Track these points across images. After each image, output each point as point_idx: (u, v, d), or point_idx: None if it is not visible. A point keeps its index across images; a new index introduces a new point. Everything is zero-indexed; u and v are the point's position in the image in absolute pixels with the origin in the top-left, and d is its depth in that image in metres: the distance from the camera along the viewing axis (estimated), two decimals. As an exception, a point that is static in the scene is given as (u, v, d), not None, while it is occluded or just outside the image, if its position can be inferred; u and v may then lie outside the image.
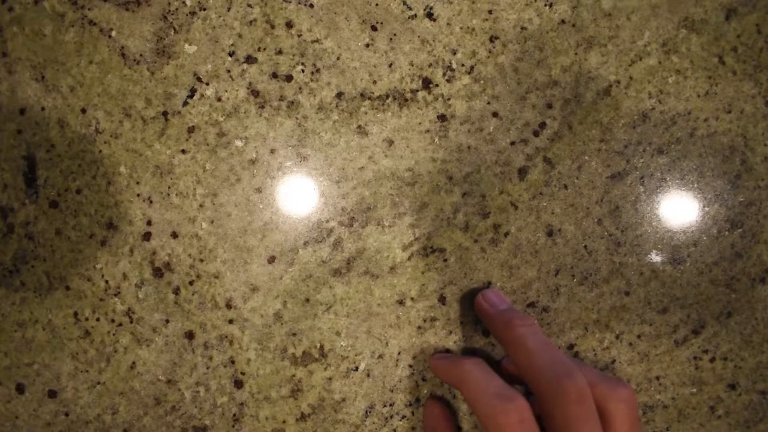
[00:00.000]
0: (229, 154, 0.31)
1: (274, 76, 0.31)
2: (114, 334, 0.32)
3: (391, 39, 0.31)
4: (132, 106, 0.31)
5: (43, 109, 0.31)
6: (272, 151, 0.31)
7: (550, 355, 0.25)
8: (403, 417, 0.32)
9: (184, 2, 0.31)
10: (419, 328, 0.32)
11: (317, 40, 0.31)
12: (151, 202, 0.31)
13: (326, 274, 0.32)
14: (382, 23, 0.31)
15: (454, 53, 0.32)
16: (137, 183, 0.31)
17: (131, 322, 0.31)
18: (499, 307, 0.30)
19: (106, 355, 0.32)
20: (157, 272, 0.31)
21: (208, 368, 0.32)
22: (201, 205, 0.31)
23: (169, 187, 0.31)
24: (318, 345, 0.32)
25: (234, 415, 0.32)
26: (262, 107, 0.31)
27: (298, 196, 0.32)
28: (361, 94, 0.32)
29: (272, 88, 0.31)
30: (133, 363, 0.32)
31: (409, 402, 0.32)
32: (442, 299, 0.32)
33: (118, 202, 0.31)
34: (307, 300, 0.32)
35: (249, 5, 0.31)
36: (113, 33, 0.31)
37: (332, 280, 0.32)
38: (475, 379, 0.26)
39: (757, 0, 0.32)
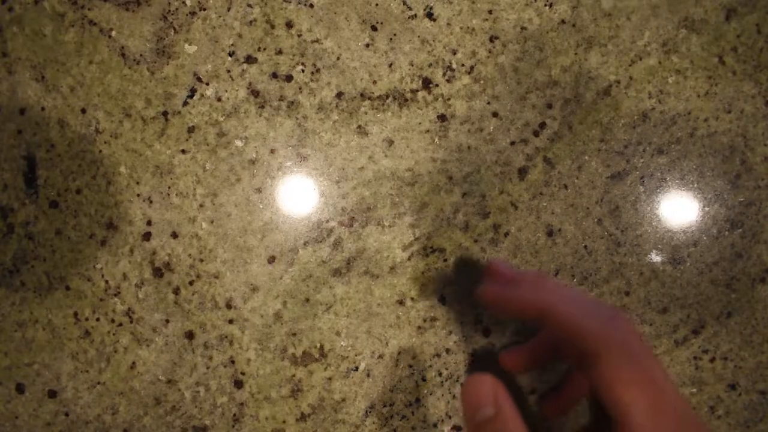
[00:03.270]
0: (229, 154, 0.31)
1: (274, 76, 0.31)
2: (114, 334, 0.31)
3: (391, 39, 0.31)
4: (132, 106, 0.31)
5: (43, 109, 0.31)
6: (272, 151, 0.31)
7: (586, 306, 0.24)
8: (403, 417, 0.32)
9: (184, 2, 0.31)
10: (419, 328, 0.32)
11: (317, 40, 0.31)
12: (151, 202, 0.31)
13: (326, 274, 0.32)
14: (382, 23, 0.31)
15: (454, 53, 0.32)
16: (137, 183, 0.31)
17: (131, 322, 0.31)
18: (504, 287, 0.27)
19: (106, 355, 0.32)
20: (157, 272, 0.31)
21: (208, 368, 0.32)
22: (201, 205, 0.31)
23: (169, 187, 0.31)
24: (318, 345, 0.32)
25: (234, 415, 0.32)
26: (262, 107, 0.31)
27: (298, 196, 0.32)
28: (361, 94, 0.32)
29: (272, 88, 0.31)
30: (133, 363, 0.32)
31: (409, 402, 0.32)
32: (442, 299, 0.32)
33: (118, 202, 0.31)
34: (307, 300, 0.32)
35: (249, 5, 0.31)
36: (113, 33, 0.31)
37: (332, 280, 0.32)
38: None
39: (757, 0, 0.32)
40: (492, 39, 0.32)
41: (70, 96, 0.31)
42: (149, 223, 0.31)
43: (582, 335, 0.23)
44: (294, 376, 0.32)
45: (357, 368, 0.32)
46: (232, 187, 0.31)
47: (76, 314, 0.31)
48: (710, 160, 0.33)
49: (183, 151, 0.31)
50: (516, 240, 0.32)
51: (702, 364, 0.33)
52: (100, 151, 0.31)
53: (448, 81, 0.32)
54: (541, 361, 0.29)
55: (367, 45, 0.31)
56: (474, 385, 0.24)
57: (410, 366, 0.32)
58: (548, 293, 0.25)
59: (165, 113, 0.31)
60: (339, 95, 0.31)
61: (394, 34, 0.31)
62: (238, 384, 0.32)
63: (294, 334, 0.32)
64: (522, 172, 0.32)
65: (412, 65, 0.32)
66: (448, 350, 0.32)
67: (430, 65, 0.32)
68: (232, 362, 0.32)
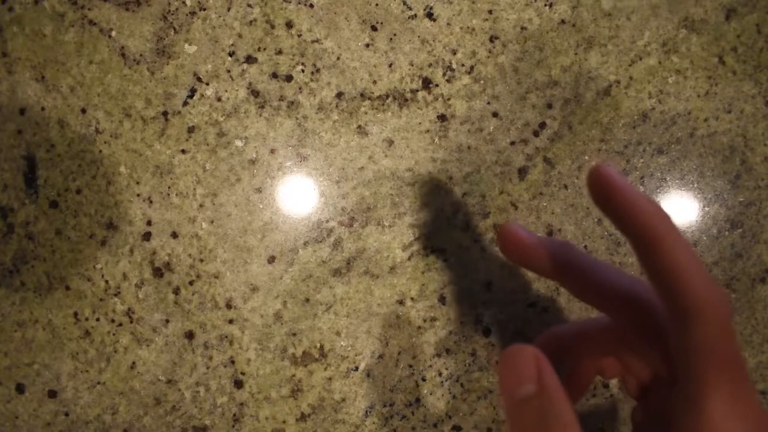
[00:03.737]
0: (229, 154, 0.31)
1: (274, 76, 0.31)
2: (114, 334, 0.31)
3: (391, 39, 0.31)
4: (132, 106, 0.31)
5: (43, 109, 0.31)
6: (272, 151, 0.31)
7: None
8: (403, 417, 0.32)
9: (184, 2, 0.31)
10: (419, 328, 0.32)
11: (317, 40, 0.31)
12: (151, 202, 0.31)
13: (326, 274, 0.32)
14: (382, 23, 0.31)
15: (454, 53, 0.32)
16: (137, 183, 0.31)
17: (131, 322, 0.31)
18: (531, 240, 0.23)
19: (106, 355, 0.32)
20: (157, 272, 0.31)
21: (208, 368, 0.32)
22: (201, 205, 0.31)
23: (169, 187, 0.31)
24: (318, 345, 0.32)
25: (234, 415, 0.32)
26: (262, 107, 0.31)
27: (298, 196, 0.32)
28: (361, 94, 0.32)
29: (272, 88, 0.31)
30: (133, 363, 0.32)
31: (409, 402, 0.32)
32: (442, 299, 0.32)
33: (118, 202, 0.31)
34: (307, 300, 0.32)
35: (249, 5, 0.31)
36: (113, 33, 0.31)
37: (332, 280, 0.32)
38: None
39: (757, 0, 0.32)
40: (492, 39, 0.32)
41: (70, 96, 0.31)
42: (149, 223, 0.31)
43: (690, 290, 0.19)
44: (294, 376, 0.32)
45: (357, 368, 0.32)
46: (232, 187, 0.31)
47: (76, 314, 0.31)
48: (710, 160, 0.33)
49: (183, 151, 0.31)
50: (516, 240, 0.32)
51: (702, 364, 0.33)
52: (100, 151, 0.31)
53: (448, 81, 0.32)
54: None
55: (367, 45, 0.31)
56: (514, 357, 0.21)
57: (410, 366, 0.32)
58: (671, 225, 0.21)
59: (165, 113, 0.31)
60: (339, 95, 0.31)
61: (394, 34, 0.31)
62: (238, 384, 0.32)
63: (294, 334, 0.32)
64: (522, 172, 0.32)
65: (412, 65, 0.32)
66: (448, 350, 0.32)
67: (430, 65, 0.32)
68: (232, 362, 0.32)
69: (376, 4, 0.31)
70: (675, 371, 0.20)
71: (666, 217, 0.21)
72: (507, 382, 0.20)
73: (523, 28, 0.32)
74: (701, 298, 0.19)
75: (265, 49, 0.31)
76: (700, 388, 0.19)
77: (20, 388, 0.32)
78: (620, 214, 0.21)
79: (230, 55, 0.31)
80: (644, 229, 0.21)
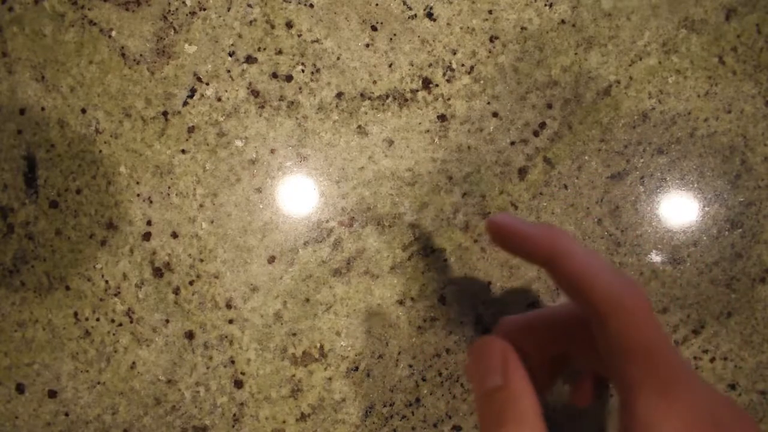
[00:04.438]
0: (229, 154, 0.31)
1: (274, 76, 0.31)
2: (114, 334, 0.31)
3: (391, 39, 0.31)
4: (132, 106, 0.31)
5: (43, 109, 0.31)
6: (272, 151, 0.31)
7: (603, 264, 0.21)
8: (403, 417, 0.32)
9: (184, 2, 0.31)
10: (419, 328, 0.32)
11: (317, 40, 0.31)
12: (151, 202, 0.31)
13: (326, 274, 0.32)
14: (382, 23, 0.31)
15: (454, 53, 0.32)
16: (137, 183, 0.31)
17: (131, 322, 0.31)
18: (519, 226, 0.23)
19: (106, 355, 0.32)
20: (157, 272, 0.31)
21: (208, 368, 0.32)
22: (201, 205, 0.31)
23: (169, 187, 0.31)
24: (318, 345, 0.32)
25: (234, 415, 0.32)
26: (262, 107, 0.31)
27: (298, 196, 0.32)
28: (361, 94, 0.32)
29: (272, 88, 0.31)
30: (133, 363, 0.32)
31: (409, 402, 0.32)
32: (442, 299, 0.32)
33: (118, 202, 0.31)
34: (307, 300, 0.32)
35: (249, 5, 0.31)
36: (113, 33, 0.31)
37: (332, 280, 0.32)
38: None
39: (757, 0, 0.32)
40: (492, 39, 0.32)
41: (70, 96, 0.31)
42: (149, 223, 0.31)
43: (595, 290, 0.20)
44: (294, 376, 0.32)
45: (357, 368, 0.32)
46: (232, 187, 0.31)
47: (76, 314, 0.31)
48: (710, 160, 0.33)
49: (183, 151, 0.31)
50: (516, 240, 0.32)
51: (702, 364, 0.33)
52: (100, 151, 0.31)
53: (448, 81, 0.32)
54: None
55: (367, 45, 0.31)
56: (481, 348, 0.22)
57: (410, 366, 0.32)
58: (566, 240, 0.22)
59: (165, 113, 0.31)
60: (339, 95, 0.31)
61: (394, 34, 0.31)
62: (238, 384, 0.32)
63: (294, 334, 0.32)
64: (522, 172, 0.32)
65: (412, 65, 0.32)
66: (448, 350, 0.32)
67: (430, 65, 0.32)
68: (232, 362, 0.32)
69: (376, 4, 0.31)
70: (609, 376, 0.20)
71: (559, 236, 0.22)
72: (474, 372, 0.21)
73: (523, 28, 0.32)
74: (606, 295, 0.19)
75: (265, 49, 0.31)
76: (626, 388, 0.19)
77: (20, 388, 0.32)
78: (521, 249, 0.22)
79: (230, 55, 0.31)
80: (542, 252, 0.22)
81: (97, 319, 0.31)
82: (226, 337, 0.32)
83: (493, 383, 0.20)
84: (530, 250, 0.22)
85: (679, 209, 0.33)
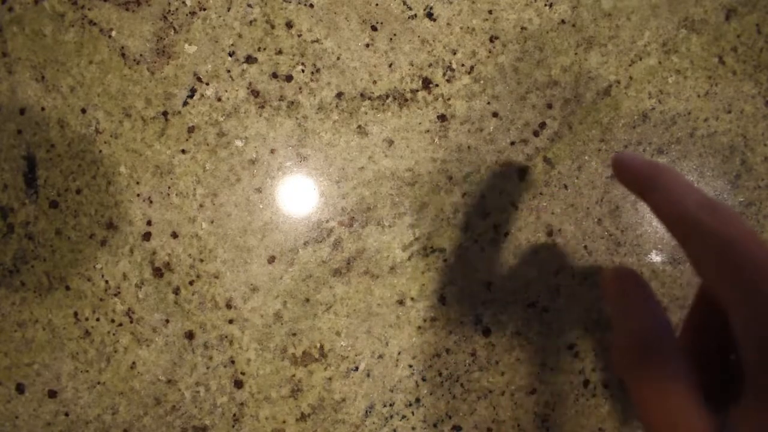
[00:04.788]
0: (229, 154, 0.31)
1: (274, 76, 0.31)
2: (114, 334, 0.32)
3: (391, 39, 0.31)
4: (132, 106, 0.31)
5: (43, 109, 0.31)
6: (272, 151, 0.31)
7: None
8: (403, 417, 0.32)
9: (184, 2, 0.31)
10: (419, 328, 0.32)
11: (317, 40, 0.31)
12: (151, 202, 0.31)
13: (326, 274, 0.32)
14: (382, 23, 0.31)
15: (454, 53, 0.32)
16: (137, 183, 0.31)
17: (131, 322, 0.31)
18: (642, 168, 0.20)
19: (106, 355, 0.32)
20: (157, 272, 0.31)
21: (208, 368, 0.32)
22: (201, 205, 0.31)
23: (169, 187, 0.31)
24: (318, 345, 0.32)
25: (234, 415, 0.32)
26: (262, 107, 0.31)
27: (298, 196, 0.32)
28: (361, 94, 0.32)
29: (272, 88, 0.31)
30: (133, 363, 0.32)
31: (409, 402, 0.32)
32: (442, 299, 0.32)
33: (118, 202, 0.31)
34: (307, 300, 0.32)
35: (249, 5, 0.31)
36: (113, 33, 0.31)
37: (332, 280, 0.32)
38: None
39: (757, 0, 0.32)
40: (492, 39, 0.32)
41: (70, 96, 0.31)
42: (149, 223, 0.31)
43: (684, 225, 0.17)
44: (294, 376, 0.32)
45: (357, 368, 0.32)
46: (232, 187, 0.31)
47: (76, 314, 0.31)
48: (710, 160, 0.33)
49: (183, 151, 0.31)
50: (516, 240, 0.32)
51: (702, 364, 0.33)
52: (100, 151, 0.31)
53: (448, 81, 0.32)
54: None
55: (367, 45, 0.31)
56: (616, 275, 0.19)
57: (410, 366, 0.32)
58: (669, 175, 0.19)
59: (165, 113, 0.31)
60: (339, 95, 0.31)
61: (394, 34, 0.31)
62: (238, 384, 0.32)
63: (294, 334, 0.32)
64: (522, 172, 0.32)
65: (412, 65, 0.32)
66: (448, 350, 0.32)
67: (430, 65, 0.32)
68: (232, 362, 0.32)
69: (376, 4, 0.31)
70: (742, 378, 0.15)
71: (660, 172, 0.20)
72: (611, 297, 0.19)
73: (523, 28, 0.32)
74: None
75: (265, 49, 0.31)
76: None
77: (20, 388, 0.32)
78: (633, 186, 0.20)
79: (230, 55, 0.31)
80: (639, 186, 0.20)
81: (97, 319, 0.31)
82: (226, 337, 0.32)
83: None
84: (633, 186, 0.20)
85: (679, 209, 0.33)
